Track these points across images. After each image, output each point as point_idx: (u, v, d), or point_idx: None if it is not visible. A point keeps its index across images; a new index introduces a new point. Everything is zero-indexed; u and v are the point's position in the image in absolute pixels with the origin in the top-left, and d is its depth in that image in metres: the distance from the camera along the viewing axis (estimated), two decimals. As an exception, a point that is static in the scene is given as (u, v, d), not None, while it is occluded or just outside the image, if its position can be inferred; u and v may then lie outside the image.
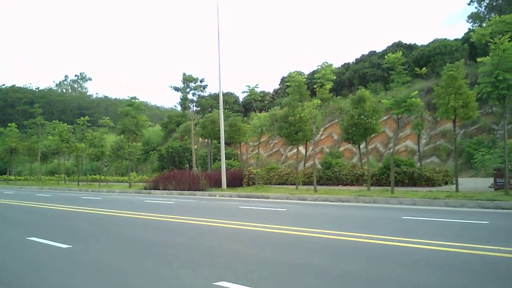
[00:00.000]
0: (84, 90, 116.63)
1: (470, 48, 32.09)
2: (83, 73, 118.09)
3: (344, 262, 5.83)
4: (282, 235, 8.24)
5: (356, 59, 43.23)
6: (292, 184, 22.22)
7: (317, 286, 4.76)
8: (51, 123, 40.32)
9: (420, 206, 13.09)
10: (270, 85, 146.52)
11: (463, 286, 4.69)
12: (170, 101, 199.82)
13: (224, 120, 24.36)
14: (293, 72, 20.46)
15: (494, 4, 41.74)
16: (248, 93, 24.97)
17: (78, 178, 36.01)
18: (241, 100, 49.51)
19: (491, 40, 13.82)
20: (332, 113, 33.10)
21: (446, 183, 19.20)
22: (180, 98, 53.33)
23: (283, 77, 44.09)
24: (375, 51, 41.97)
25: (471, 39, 15.60)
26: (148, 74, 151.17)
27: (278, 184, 23.46)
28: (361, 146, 21.21)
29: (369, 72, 38.04)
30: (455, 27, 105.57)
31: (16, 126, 43.85)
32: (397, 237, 7.42)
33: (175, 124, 45.99)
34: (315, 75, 19.99)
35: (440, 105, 15.45)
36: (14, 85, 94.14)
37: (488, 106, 24.87)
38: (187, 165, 28.29)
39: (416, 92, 16.80)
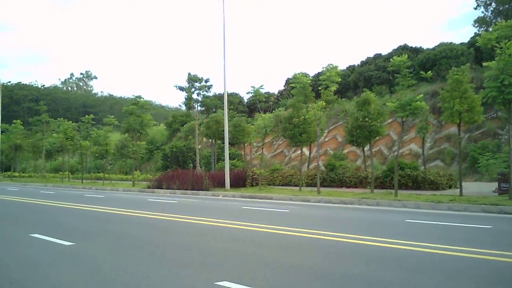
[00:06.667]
0: (89, 88, 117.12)
1: (476, 52, 32.01)
2: (89, 71, 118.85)
3: (346, 264, 5.82)
4: (285, 236, 8.24)
5: (362, 62, 43.13)
6: (296, 186, 22.22)
7: (319, 288, 4.76)
8: (56, 120, 40.53)
9: (423, 209, 13.06)
10: (275, 86, 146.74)
11: (465, 290, 4.68)
12: (175, 100, 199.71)
13: (228, 120, 24.38)
14: (298, 74, 20.40)
15: (501, 9, 41.63)
16: (252, 93, 24.96)
17: (82, 176, 36.16)
18: (245, 100, 49.49)
19: (497, 45, 13.79)
20: (336, 115, 33.06)
21: (450, 187, 19.17)
22: (185, 98, 52.92)
23: (288, 78, 44.05)
24: (380, 54, 41.87)
25: (477, 44, 15.52)
26: (154, 73, 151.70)
27: (282, 185, 23.47)
28: (365, 149, 21.18)
29: (374, 75, 37.98)
30: (461, 31, 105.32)
31: (21, 123, 44.19)
32: (400, 240, 7.40)
33: (180, 124, 46.04)
34: (320, 77, 19.95)
35: (445, 109, 15.44)
36: (20, 82, 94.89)
37: (493, 111, 24.78)
38: (191, 165, 28.30)
39: (421, 95, 16.79)
